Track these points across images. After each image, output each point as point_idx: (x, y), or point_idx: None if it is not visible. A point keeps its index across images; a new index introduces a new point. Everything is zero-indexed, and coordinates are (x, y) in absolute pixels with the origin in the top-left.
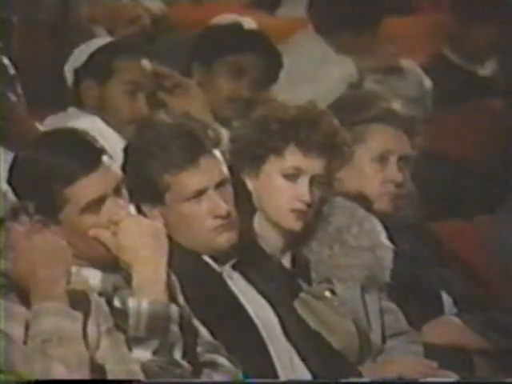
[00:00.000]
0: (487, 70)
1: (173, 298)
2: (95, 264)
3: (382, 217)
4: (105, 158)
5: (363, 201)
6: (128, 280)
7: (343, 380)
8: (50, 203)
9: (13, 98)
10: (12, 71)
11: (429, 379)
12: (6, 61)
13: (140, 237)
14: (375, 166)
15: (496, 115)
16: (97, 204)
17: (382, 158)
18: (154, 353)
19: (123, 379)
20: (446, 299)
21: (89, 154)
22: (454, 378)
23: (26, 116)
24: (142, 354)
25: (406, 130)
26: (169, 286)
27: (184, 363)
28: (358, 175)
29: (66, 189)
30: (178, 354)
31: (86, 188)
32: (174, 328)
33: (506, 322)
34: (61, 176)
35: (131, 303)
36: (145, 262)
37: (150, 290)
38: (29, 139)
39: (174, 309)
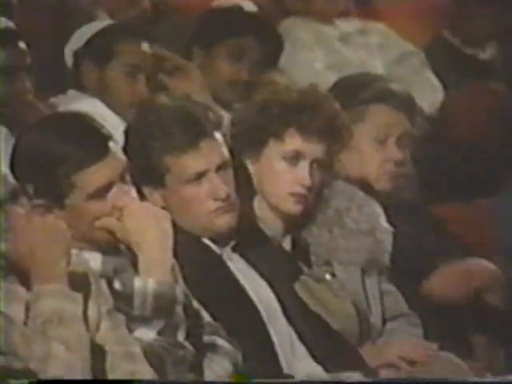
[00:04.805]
0: (487, 53)
1: (173, 280)
2: (96, 247)
3: (382, 196)
4: (111, 144)
5: (364, 182)
6: (130, 262)
7: (344, 379)
8: (55, 188)
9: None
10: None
11: (428, 378)
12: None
13: (146, 219)
14: (375, 146)
15: (496, 98)
16: (104, 190)
17: (382, 138)
18: (159, 333)
19: (123, 379)
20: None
21: (97, 141)
22: (454, 360)
23: (31, 98)
24: (147, 333)
25: (405, 110)
26: None
27: (187, 344)
28: (358, 156)
29: (73, 175)
30: (181, 336)
31: (95, 175)
32: (179, 309)
33: None
34: (69, 163)
35: (137, 283)
36: (152, 243)
37: (156, 270)
38: (31, 122)
39: (179, 290)
